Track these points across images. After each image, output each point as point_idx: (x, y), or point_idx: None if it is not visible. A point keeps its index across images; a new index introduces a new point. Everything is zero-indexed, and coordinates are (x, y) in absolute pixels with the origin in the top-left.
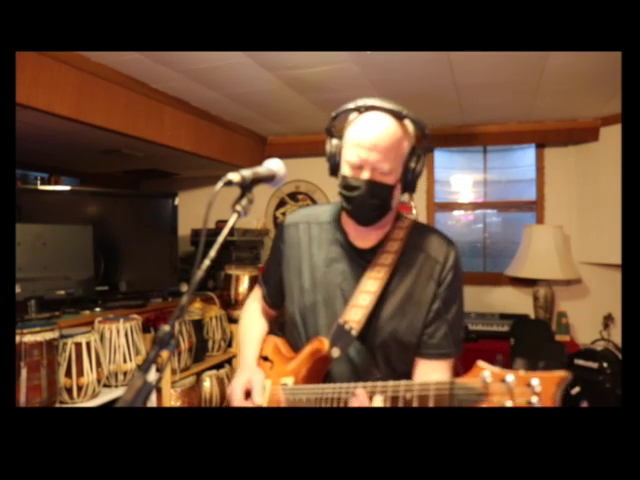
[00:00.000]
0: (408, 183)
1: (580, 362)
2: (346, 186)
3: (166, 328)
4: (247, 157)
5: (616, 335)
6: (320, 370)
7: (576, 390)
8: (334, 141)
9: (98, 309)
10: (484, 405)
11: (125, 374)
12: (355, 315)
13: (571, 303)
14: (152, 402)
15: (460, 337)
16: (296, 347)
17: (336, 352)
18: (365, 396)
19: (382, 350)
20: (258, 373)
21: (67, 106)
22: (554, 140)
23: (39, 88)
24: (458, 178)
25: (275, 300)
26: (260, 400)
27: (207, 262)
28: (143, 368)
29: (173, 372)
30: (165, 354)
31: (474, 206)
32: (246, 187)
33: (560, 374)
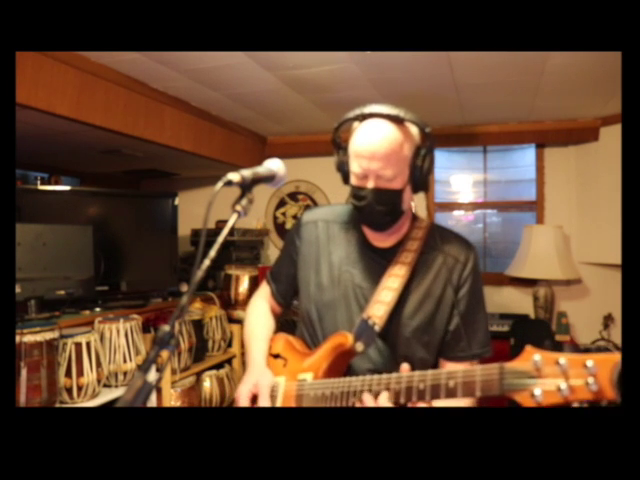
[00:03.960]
0: (418, 183)
1: None
2: (354, 196)
3: (166, 328)
4: (247, 157)
5: (616, 335)
6: (341, 365)
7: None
8: (341, 152)
9: (98, 309)
10: (536, 389)
11: (125, 374)
12: (378, 311)
13: (571, 303)
14: (152, 402)
15: (488, 337)
16: (310, 344)
17: (360, 346)
18: (370, 398)
19: (403, 347)
20: (266, 375)
21: (67, 106)
22: (554, 140)
23: (39, 88)
24: (458, 178)
25: (285, 297)
26: (267, 405)
27: (207, 262)
28: (143, 368)
29: (173, 372)
30: (165, 354)
31: (474, 206)
32: (246, 187)
33: (616, 357)
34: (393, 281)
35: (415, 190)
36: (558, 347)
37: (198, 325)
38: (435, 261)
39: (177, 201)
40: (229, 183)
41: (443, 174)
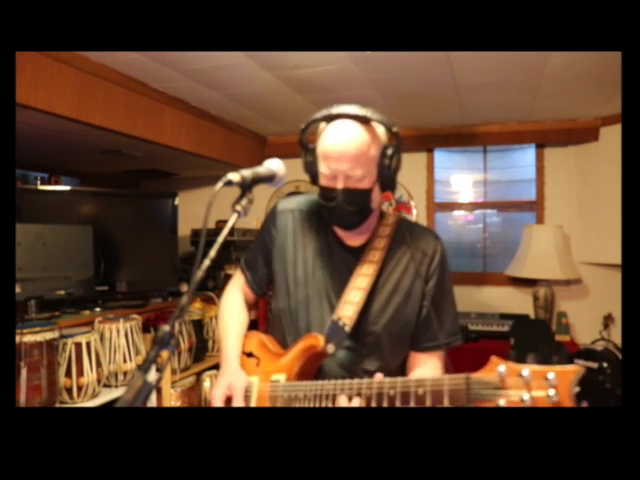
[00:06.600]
0: (386, 182)
1: (580, 362)
2: (324, 197)
3: (166, 328)
4: (247, 157)
5: (616, 335)
6: (313, 366)
7: (576, 390)
8: (308, 153)
9: (98, 309)
10: (501, 400)
11: (125, 374)
12: (347, 311)
13: (571, 303)
14: (152, 402)
15: (456, 326)
16: (283, 342)
17: (331, 348)
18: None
19: (373, 344)
20: (239, 376)
21: (67, 106)
22: (554, 140)
23: (39, 88)
24: (458, 178)
25: (260, 285)
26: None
27: (207, 262)
28: (143, 368)
29: (173, 372)
30: (165, 354)
31: (474, 206)
32: (246, 187)
33: (574, 368)
34: (362, 281)
35: (383, 189)
36: (559, 347)
37: (198, 325)
38: (403, 256)
39: (177, 201)
40: (229, 183)
41: (443, 174)
